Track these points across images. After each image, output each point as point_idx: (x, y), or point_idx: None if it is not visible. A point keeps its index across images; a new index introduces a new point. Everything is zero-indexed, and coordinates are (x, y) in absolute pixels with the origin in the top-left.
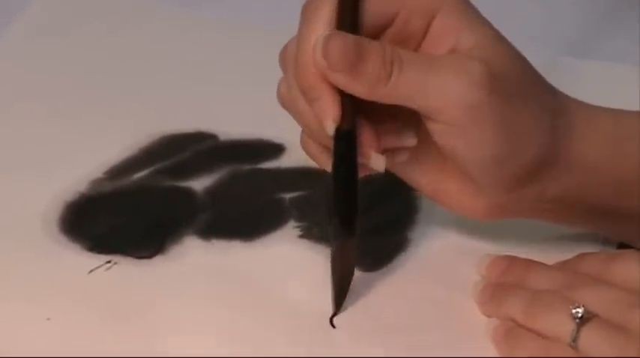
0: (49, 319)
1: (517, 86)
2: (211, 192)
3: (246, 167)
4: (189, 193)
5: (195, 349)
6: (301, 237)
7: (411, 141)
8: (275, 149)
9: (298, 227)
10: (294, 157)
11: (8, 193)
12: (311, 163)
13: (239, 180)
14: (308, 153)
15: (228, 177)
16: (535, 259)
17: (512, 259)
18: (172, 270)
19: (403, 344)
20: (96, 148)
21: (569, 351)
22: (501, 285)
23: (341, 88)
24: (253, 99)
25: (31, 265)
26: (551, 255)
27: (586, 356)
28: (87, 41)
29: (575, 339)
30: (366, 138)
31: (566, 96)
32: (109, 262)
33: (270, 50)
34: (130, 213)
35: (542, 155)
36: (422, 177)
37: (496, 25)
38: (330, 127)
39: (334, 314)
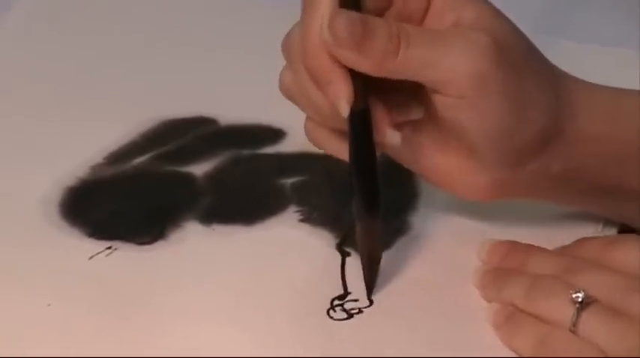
0: (49, 305)
1: (522, 58)
2: (212, 176)
3: (247, 152)
4: (189, 178)
5: (196, 334)
6: (302, 221)
7: (417, 113)
8: (275, 134)
9: (299, 211)
10: (295, 142)
11: (8, 179)
12: (311, 148)
13: (239, 164)
14: (315, 141)
15: (228, 162)
16: (535, 244)
17: (513, 244)
18: (173, 256)
19: (403, 328)
20: (96, 133)
21: (570, 336)
22: (502, 270)
23: (349, 66)
24: (254, 83)
25: (32, 251)
26: (551, 240)
27: (586, 341)
28: (86, 26)
29: (575, 324)
30: (379, 115)
31: (565, 73)
32: (109, 248)
33: (271, 33)
34: (131, 199)
35: (547, 128)
36: (423, 160)
37: None
38: (345, 109)
39: (369, 294)
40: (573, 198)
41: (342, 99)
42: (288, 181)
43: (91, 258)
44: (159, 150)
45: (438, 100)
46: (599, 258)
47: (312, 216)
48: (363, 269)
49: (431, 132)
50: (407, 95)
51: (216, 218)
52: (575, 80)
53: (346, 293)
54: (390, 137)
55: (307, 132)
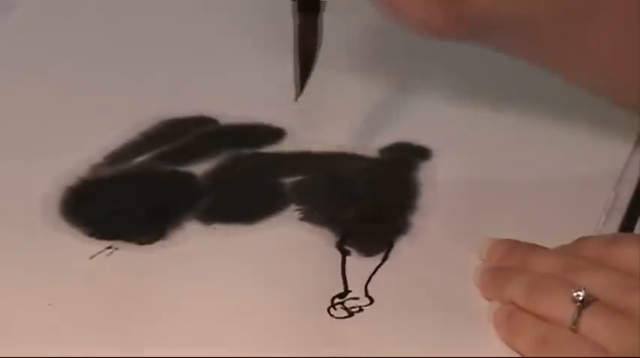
0: (50, 305)
1: None
2: (212, 176)
3: (247, 151)
4: (189, 178)
5: (197, 333)
6: (302, 220)
7: None
8: (275, 133)
9: (299, 210)
10: (295, 141)
11: (8, 178)
12: (311, 148)
13: (240, 164)
14: None
15: (228, 162)
16: (535, 243)
17: (513, 243)
18: (174, 255)
19: (403, 326)
20: (96, 132)
21: (570, 335)
22: (502, 269)
23: None
24: (254, 83)
25: (32, 251)
26: (551, 239)
27: (587, 340)
28: (87, 25)
29: (575, 322)
30: None
31: None
32: (109, 248)
33: (271, 33)
34: (131, 198)
35: None
36: None
37: None
38: None
39: (299, 93)
40: (522, 50)
41: None
42: (288, 180)
43: (91, 257)
44: (159, 150)
45: None
46: (600, 256)
47: (312, 215)
48: (298, 65)
49: None
50: None
51: (217, 217)
52: None
53: (347, 291)
54: None
55: None
